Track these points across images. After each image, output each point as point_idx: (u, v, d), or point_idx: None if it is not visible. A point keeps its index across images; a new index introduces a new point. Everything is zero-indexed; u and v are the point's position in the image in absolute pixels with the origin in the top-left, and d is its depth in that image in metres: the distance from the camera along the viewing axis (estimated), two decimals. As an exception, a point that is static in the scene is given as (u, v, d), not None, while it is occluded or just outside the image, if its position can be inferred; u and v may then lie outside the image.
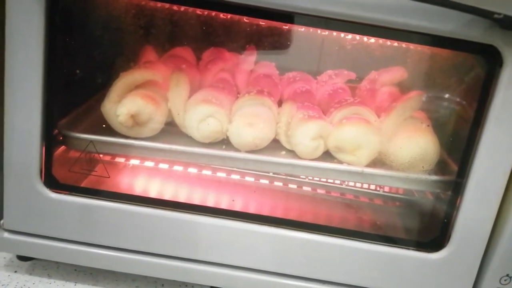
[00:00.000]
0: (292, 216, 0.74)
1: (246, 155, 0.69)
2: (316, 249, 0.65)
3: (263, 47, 0.95)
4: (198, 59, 0.93)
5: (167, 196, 0.74)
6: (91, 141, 0.65)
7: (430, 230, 0.68)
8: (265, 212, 0.74)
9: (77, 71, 0.70)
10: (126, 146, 0.68)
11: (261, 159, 0.68)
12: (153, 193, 0.74)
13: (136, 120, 0.69)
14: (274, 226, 0.65)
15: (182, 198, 0.75)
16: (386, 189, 0.78)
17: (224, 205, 0.74)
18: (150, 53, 0.88)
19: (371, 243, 0.65)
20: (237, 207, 0.74)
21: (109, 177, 0.71)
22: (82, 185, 0.71)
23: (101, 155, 0.73)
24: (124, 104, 0.68)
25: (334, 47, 0.93)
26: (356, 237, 0.65)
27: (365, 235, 0.65)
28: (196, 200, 0.74)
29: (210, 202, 0.74)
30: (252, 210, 0.74)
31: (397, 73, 0.86)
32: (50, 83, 0.61)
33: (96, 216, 0.65)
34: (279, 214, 0.75)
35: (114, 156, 0.80)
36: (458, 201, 0.63)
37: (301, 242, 0.65)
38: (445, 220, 0.64)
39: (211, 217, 0.65)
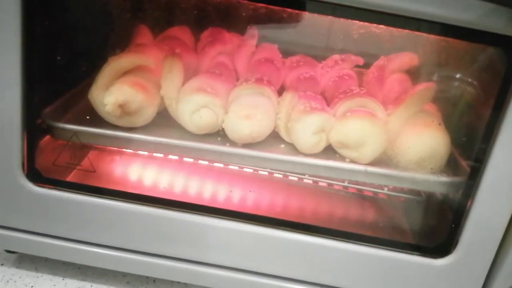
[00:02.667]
0: (291, 213, 0.71)
1: (242, 151, 0.64)
2: (313, 252, 0.61)
3: (266, 27, 0.89)
4: (197, 40, 0.88)
5: (158, 192, 0.71)
6: (75, 132, 0.61)
7: (436, 234, 0.64)
8: (261, 209, 0.71)
9: (59, 57, 0.65)
10: (114, 138, 0.63)
11: (258, 155, 0.63)
12: (142, 189, 0.71)
13: (125, 110, 0.64)
14: (269, 227, 0.61)
15: (171, 193, 0.72)
16: (391, 186, 0.74)
17: (220, 198, 0.71)
18: (144, 34, 0.83)
19: (371, 246, 0.61)
20: (234, 198, 0.71)
21: (95, 172, 0.67)
22: (69, 179, 0.67)
23: (88, 149, 0.69)
24: (111, 92, 0.63)
25: (342, 27, 0.88)
26: (355, 240, 0.61)
27: (365, 238, 0.61)
28: (184, 197, 0.70)
29: (204, 197, 0.71)
30: (246, 207, 0.70)
31: (407, 59, 0.80)
32: (30, 70, 0.57)
33: (83, 212, 0.62)
34: (277, 209, 0.72)
35: (101, 149, 0.76)
36: (469, 203, 0.58)
37: (299, 244, 0.61)
38: (453, 225, 0.60)
39: (197, 215, 0.62)
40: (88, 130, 0.62)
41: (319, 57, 0.86)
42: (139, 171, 0.77)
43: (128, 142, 0.64)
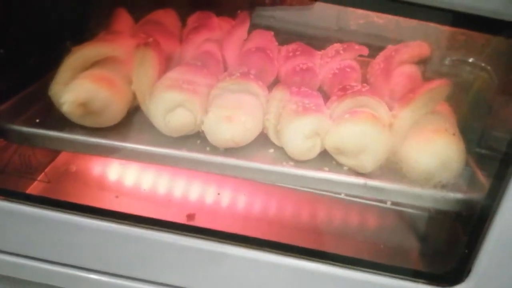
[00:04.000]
0: (284, 226, 0.63)
1: (222, 159, 0.55)
2: (304, 277, 0.53)
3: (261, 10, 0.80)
4: (184, 25, 0.79)
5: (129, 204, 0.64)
6: (26, 136, 0.52)
7: (445, 258, 0.55)
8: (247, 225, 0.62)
9: (2, 50, 0.56)
10: (74, 142, 0.55)
11: (240, 164, 0.55)
12: (103, 202, 0.63)
13: (88, 108, 0.56)
14: (253, 249, 0.53)
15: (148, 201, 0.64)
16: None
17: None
18: (123, 19, 0.74)
19: (369, 272, 0.53)
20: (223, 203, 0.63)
21: (49, 182, 0.59)
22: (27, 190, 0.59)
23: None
24: (70, 89, 0.55)
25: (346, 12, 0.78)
26: (353, 265, 0.53)
27: (363, 263, 0.53)
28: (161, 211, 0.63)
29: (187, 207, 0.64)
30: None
31: (418, 49, 0.71)
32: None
33: (39, 227, 0.54)
34: (263, 225, 0.64)
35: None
36: (487, 224, 0.50)
37: (288, 269, 0.53)
38: (466, 251, 0.51)
39: (160, 232, 0.54)
40: (41, 133, 0.54)
41: (319, 45, 0.77)
42: (115, 176, 0.70)
43: (88, 147, 0.55)
